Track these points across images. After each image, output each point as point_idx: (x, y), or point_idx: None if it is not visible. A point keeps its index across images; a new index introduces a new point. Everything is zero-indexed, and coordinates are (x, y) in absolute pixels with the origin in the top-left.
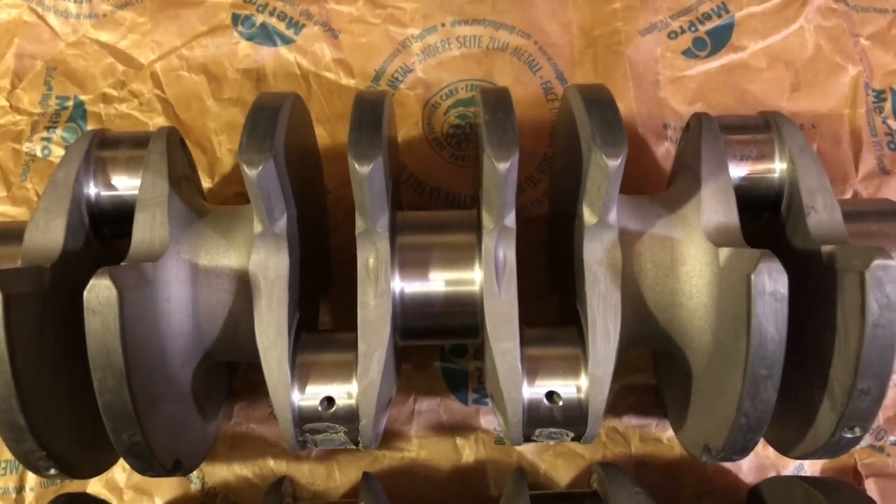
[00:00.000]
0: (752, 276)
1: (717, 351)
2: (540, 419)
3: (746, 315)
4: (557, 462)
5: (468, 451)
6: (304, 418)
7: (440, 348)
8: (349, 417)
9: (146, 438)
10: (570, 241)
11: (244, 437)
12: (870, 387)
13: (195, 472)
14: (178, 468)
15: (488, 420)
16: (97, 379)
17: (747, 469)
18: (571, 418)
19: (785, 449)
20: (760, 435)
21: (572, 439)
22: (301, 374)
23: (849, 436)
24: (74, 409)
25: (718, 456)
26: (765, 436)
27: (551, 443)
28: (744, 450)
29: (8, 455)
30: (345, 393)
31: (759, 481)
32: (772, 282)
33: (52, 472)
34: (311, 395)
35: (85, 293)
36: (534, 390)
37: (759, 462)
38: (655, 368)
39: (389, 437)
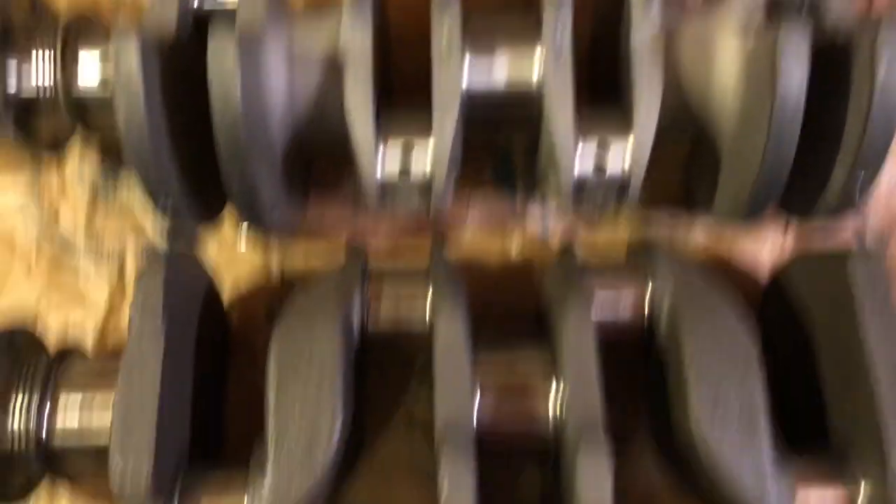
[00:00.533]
0: (780, 34)
1: (744, 128)
2: (588, 181)
3: (772, 72)
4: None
5: (515, 249)
6: (384, 175)
7: (491, 156)
8: (423, 181)
9: (254, 183)
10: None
11: (321, 232)
12: (879, 134)
13: (274, 261)
14: (276, 220)
15: (535, 222)
16: (217, 113)
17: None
18: (614, 179)
19: (802, 212)
20: (782, 186)
21: (615, 201)
22: (382, 133)
23: (861, 180)
24: (191, 160)
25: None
26: (781, 204)
27: (597, 204)
28: (767, 200)
29: None
30: (421, 155)
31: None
32: (795, 44)
33: (173, 212)
34: (391, 154)
35: (209, 40)
36: (586, 145)
37: None
38: (686, 168)
39: None
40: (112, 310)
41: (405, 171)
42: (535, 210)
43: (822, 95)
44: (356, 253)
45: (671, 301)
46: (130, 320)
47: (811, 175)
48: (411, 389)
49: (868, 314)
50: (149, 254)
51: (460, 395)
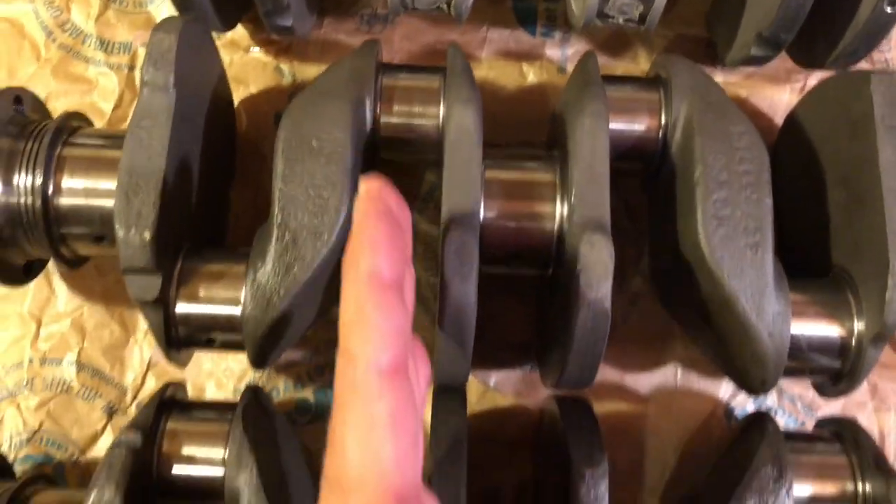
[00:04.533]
0: None
1: None
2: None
3: None
4: None
5: (532, 76)
6: None
7: None
8: None
9: None
10: None
11: (334, 44)
12: None
13: (287, 67)
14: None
15: (553, 52)
16: None
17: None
18: None
19: (821, 55)
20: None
21: (637, 21)
22: None
23: (889, 10)
24: None
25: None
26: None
27: (620, 21)
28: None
29: None
30: None
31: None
32: None
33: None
34: None
35: None
36: None
37: None
38: (708, 23)
39: None
40: (121, 103)
41: None
42: (554, 40)
43: None
44: (370, 44)
45: (688, 110)
46: (142, 77)
47: (830, 20)
48: (417, 201)
49: (884, 131)
50: (164, 20)
51: (469, 182)
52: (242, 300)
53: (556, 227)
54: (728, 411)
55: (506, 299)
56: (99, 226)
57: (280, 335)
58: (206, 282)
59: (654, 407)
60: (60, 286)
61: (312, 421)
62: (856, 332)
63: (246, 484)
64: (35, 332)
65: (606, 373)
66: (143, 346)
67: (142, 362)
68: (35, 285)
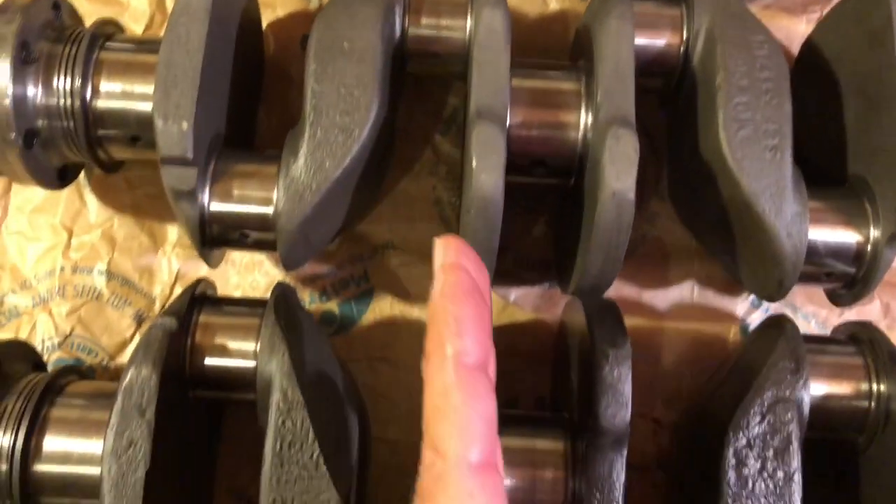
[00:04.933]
0: None
1: None
2: None
3: None
4: None
5: (554, 3)
6: None
7: None
8: None
9: None
10: None
11: None
12: None
13: None
14: None
15: None
16: None
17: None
18: None
19: None
20: None
21: None
22: None
23: None
24: None
25: None
26: None
27: None
28: None
29: None
30: None
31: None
32: None
33: None
34: None
35: None
36: None
37: None
38: None
39: None
40: (152, 25)
41: None
42: None
43: None
44: None
45: (710, 22)
46: None
47: None
48: (440, 123)
49: None
50: None
51: (497, 78)
52: (275, 197)
53: (580, 135)
54: (744, 328)
55: (526, 218)
56: (135, 127)
57: (311, 233)
58: (239, 180)
59: (670, 323)
60: (91, 199)
61: (337, 332)
62: (872, 237)
63: (278, 368)
64: (67, 242)
65: (623, 290)
66: (172, 258)
67: (170, 273)
68: (67, 198)
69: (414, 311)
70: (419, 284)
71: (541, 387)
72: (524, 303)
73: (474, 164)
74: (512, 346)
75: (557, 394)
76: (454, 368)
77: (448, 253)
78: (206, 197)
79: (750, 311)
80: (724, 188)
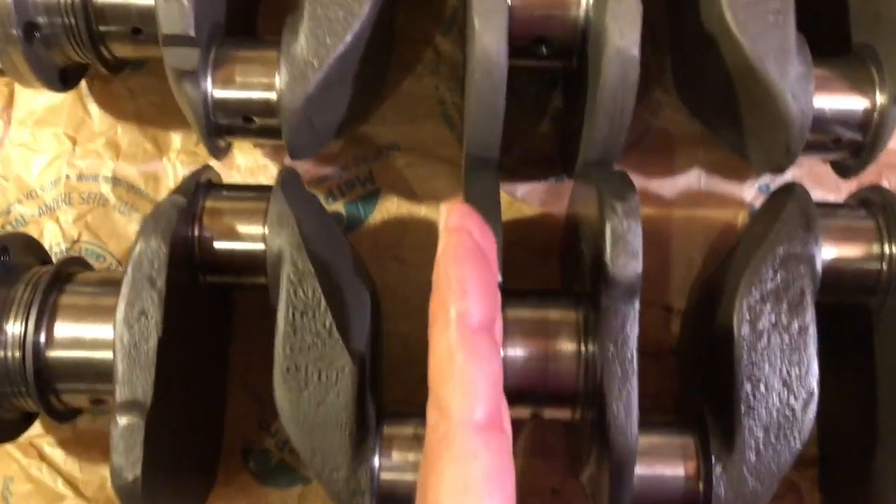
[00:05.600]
0: None
1: None
2: None
3: None
4: None
5: None
6: None
7: None
8: None
9: None
10: None
11: None
12: None
13: None
14: None
15: None
16: None
17: None
18: None
19: None
20: None
21: None
22: None
23: None
24: None
25: None
26: None
27: None
28: None
29: None
30: None
31: None
32: None
33: None
34: None
35: None
36: None
37: None
38: None
39: None
40: None
41: None
42: None
43: None
44: None
45: None
46: None
47: None
48: (441, 24)
49: None
50: None
51: None
52: (278, 79)
53: (582, 8)
54: (752, 213)
55: (531, 115)
56: (136, 19)
57: (315, 116)
58: (241, 65)
59: (678, 211)
60: (94, 108)
61: (344, 233)
62: (878, 103)
63: (287, 242)
64: (71, 150)
65: None
66: (177, 165)
67: (175, 180)
68: (69, 107)
69: (421, 210)
70: (425, 184)
71: (550, 279)
72: (531, 198)
73: (476, 25)
74: (520, 239)
75: (567, 280)
76: (457, 329)
77: (451, 217)
78: (208, 83)
79: (758, 196)
80: (727, 55)
